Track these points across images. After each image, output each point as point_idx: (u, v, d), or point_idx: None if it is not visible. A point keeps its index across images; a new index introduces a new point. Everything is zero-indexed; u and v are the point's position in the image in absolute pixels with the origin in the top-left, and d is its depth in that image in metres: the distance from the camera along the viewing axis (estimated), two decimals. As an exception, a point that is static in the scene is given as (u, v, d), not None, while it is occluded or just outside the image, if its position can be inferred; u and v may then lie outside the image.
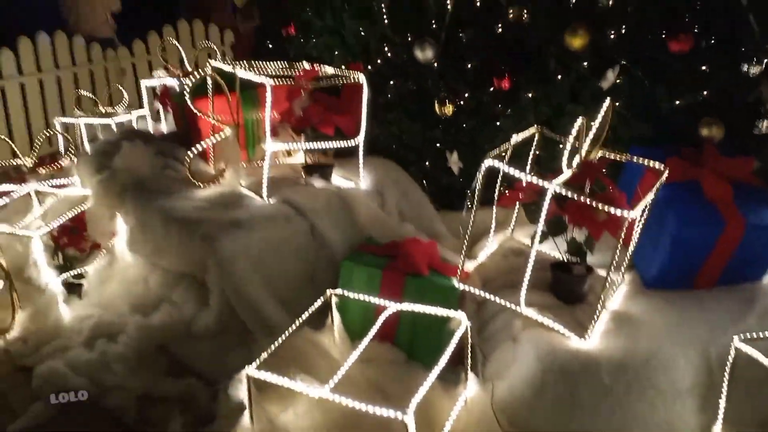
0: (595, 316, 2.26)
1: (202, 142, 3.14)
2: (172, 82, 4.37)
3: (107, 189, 3.19)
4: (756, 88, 2.96)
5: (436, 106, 3.24)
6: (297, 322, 2.19)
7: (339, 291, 2.38)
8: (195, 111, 3.10)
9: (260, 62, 3.29)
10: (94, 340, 2.68)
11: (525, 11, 3.04)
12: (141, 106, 4.64)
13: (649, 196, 2.37)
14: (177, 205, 2.89)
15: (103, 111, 4.67)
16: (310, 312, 2.25)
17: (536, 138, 2.81)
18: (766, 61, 2.89)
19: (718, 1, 2.92)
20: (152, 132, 4.15)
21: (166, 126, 4.39)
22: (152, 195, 2.99)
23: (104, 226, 3.19)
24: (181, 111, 3.64)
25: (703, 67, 2.96)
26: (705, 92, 2.99)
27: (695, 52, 2.93)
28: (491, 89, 3.15)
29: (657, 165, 2.51)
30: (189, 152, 3.09)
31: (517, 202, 2.90)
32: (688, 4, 2.93)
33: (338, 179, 3.15)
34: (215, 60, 3.39)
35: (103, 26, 7.10)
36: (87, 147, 4.24)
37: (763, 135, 2.98)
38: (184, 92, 3.10)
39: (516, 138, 2.67)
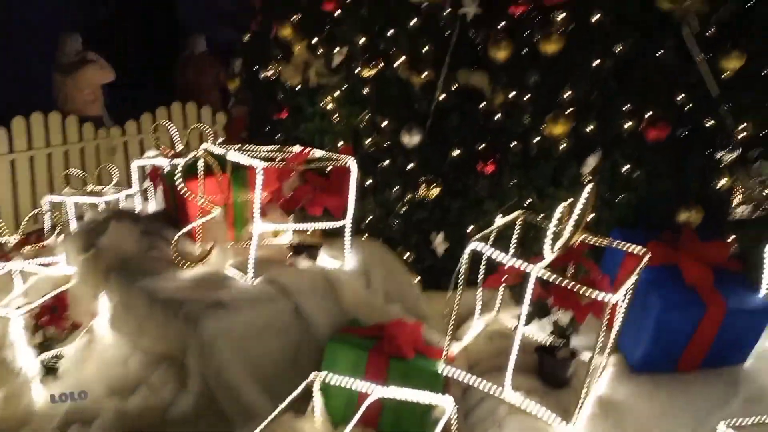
0: (580, 401, 2.25)
1: (191, 223, 3.17)
2: (163, 162, 4.44)
3: (92, 268, 3.18)
4: (731, 175, 3.07)
5: (423, 187, 3.30)
6: (278, 409, 2.14)
7: (322, 374, 2.35)
8: (184, 192, 3.14)
9: (252, 145, 3.37)
10: (67, 426, 2.59)
11: (509, 97, 3.16)
12: (130, 185, 4.68)
13: (631, 280, 2.40)
14: (161, 285, 2.89)
15: (92, 189, 4.71)
16: (292, 397, 2.21)
17: (520, 221, 2.86)
18: (739, 149, 3.01)
19: (692, 92, 3.07)
20: (140, 211, 4.18)
21: (154, 205, 4.42)
22: (137, 275, 2.98)
23: (86, 306, 3.16)
24: (170, 191, 3.68)
25: (680, 153, 3.07)
26: (683, 178, 3.09)
27: (672, 140, 3.05)
28: (476, 172, 3.23)
29: (638, 249, 2.56)
30: (176, 233, 3.11)
31: (502, 284, 2.92)
32: (665, 95, 3.07)
33: (325, 259, 3.17)
34: (207, 141, 3.47)
35: (90, 105, 7.23)
36: (74, 225, 4.24)
37: (738, 220, 3.07)
38: (175, 172, 3.15)
39: (500, 221, 2.72)
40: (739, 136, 3.03)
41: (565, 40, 3.01)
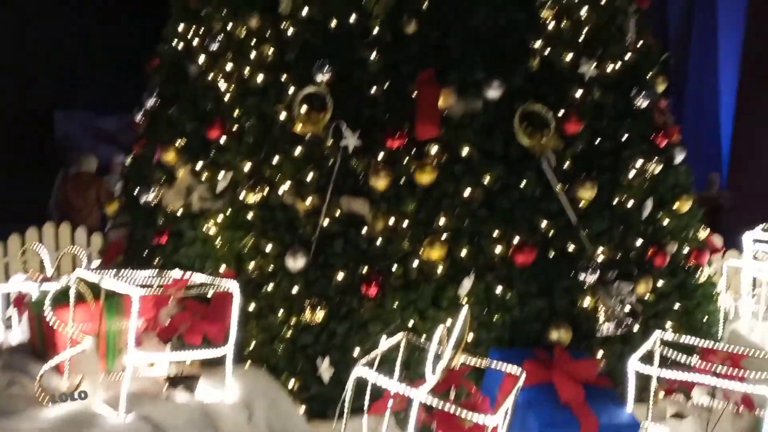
0: None
1: (59, 355, 2.96)
2: (31, 288, 4.16)
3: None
4: (594, 295, 3.32)
5: (307, 312, 3.30)
6: None
7: None
8: (53, 321, 2.96)
9: (129, 270, 3.26)
10: None
11: (389, 223, 3.31)
12: (-9, 313, 4.32)
13: (509, 401, 2.48)
14: (19, 427, 2.63)
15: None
16: None
17: (403, 344, 2.90)
18: (598, 271, 3.28)
19: (555, 219, 3.35)
20: (1, 343, 3.86)
21: (17, 336, 4.09)
22: (-9, 416, 2.71)
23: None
24: (37, 320, 3.45)
25: (547, 276, 3.30)
26: (552, 298, 3.30)
27: (540, 263, 3.28)
28: (360, 296, 3.29)
29: (514, 369, 2.66)
30: (42, 366, 2.89)
31: (388, 410, 2.90)
32: (529, 222, 3.34)
33: (204, 391, 3.03)
34: (80, 266, 3.32)
35: None
36: None
37: (604, 337, 3.29)
38: (44, 299, 2.97)
39: (384, 345, 2.75)
40: (598, 259, 3.31)
41: (438, 171, 3.24)
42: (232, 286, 3.02)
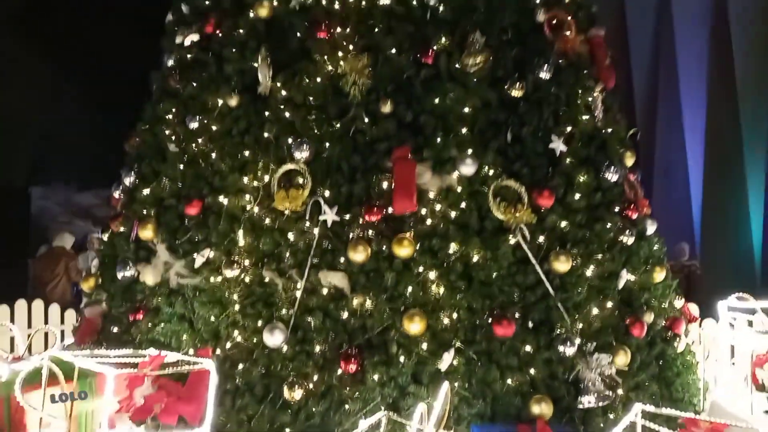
0: None
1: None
2: (0, 369, 4.04)
3: None
4: (574, 367, 3.32)
5: (285, 390, 3.25)
6: None
7: None
8: (23, 403, 2.86)
9: (103, 348, 3.20)
10: None
11: (366, 299, 3.31)
12: (-44, 396, 4.15)
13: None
14: None
15: None
16: None
17: (384, 422, 2.85)
18: (576, 343, 3.29)
19: (535, 291, 3.38)
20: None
21: (-17, 419, 3.94)
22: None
23: None
24: (6, 401, 3.33)
25: (527, 348, 3.29)
26: (532, 371, 3.29)
27: (518, 336, 3.28)
28: (339, 372, 3.24)
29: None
30: (7, 452, 2.78)
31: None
32: (508, 296, 3.36)
33: (179, 474, 2.94)
34: (53, 345, 3.25)
35: None
36: None
37: (586, 409, 3.26)
38: (13, 381, 2.89)
39: (363, 424, 2.70)
40: (575, 331, 3.33)
41: (416, 245, 3.28)
42: (209, 365, 2.97)
